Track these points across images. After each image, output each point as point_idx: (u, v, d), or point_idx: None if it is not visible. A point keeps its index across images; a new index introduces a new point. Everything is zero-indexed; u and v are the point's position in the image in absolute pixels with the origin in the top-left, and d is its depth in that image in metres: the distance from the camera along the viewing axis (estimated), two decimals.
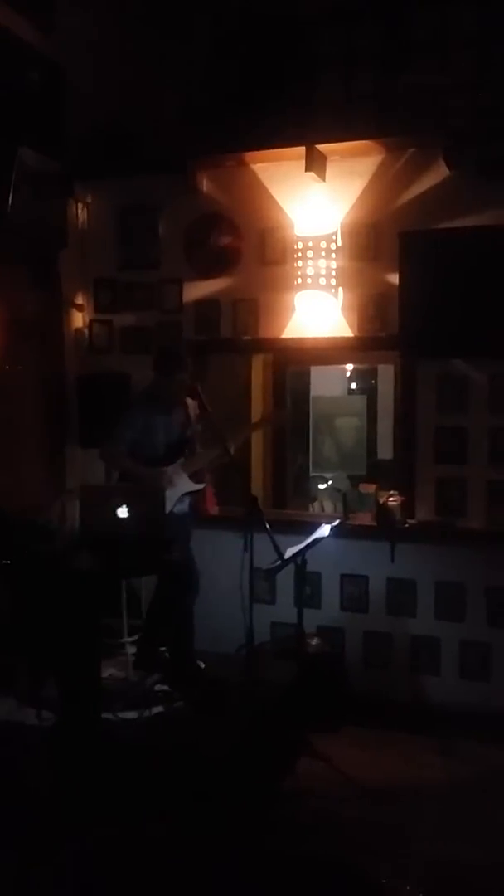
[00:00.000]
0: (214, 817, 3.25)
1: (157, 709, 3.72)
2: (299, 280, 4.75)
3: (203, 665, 4.22)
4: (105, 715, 3.57)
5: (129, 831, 3.17)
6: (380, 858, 3.24)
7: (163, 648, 4.31)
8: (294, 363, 5.75)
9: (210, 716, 3.77)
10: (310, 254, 4.71)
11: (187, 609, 4.31)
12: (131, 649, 4.27)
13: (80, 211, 5.26)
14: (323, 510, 5.80)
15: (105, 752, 3.39)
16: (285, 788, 3.71)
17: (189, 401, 4.29)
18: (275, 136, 4.78)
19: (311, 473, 6.20)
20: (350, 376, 6.63)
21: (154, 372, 4.34)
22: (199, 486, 4.36)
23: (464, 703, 4.50)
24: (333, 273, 4.74)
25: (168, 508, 4.16)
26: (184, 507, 4.31)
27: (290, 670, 4.12)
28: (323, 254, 4.70)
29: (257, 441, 5.68)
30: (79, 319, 5.34)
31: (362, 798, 3.71)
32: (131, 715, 3.63)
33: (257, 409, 5.66)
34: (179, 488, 4.24)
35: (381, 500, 4.70)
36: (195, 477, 4.30)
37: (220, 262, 5.03)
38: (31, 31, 4.65)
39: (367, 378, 6.51)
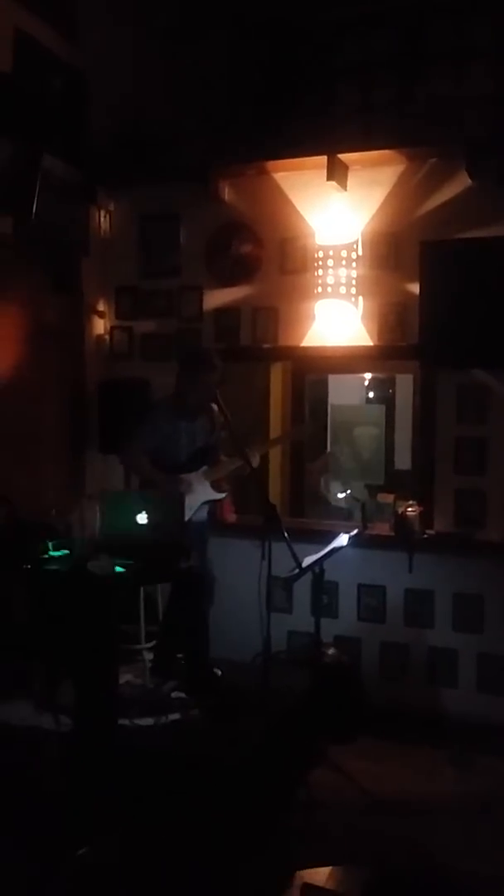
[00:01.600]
0: (228, 825, 3.24)
1: (174, 716, 3.71)
2: (319, 289, 4.76)
3: (220, 672, 4.21)
4: (121, 721, 3.57)
5: (142, 837, 3.17)
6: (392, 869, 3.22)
7: (179, 655, 4.30)
8: (313, 371, 5.75)
9: (225, 723, 3.76)
10: (330, 262, 4.71)
11: (202, 616, 4.30)
12: (148, 656, 4.27)
13: (102, 219, 5.30)
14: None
15: (121, 759, 3.39)
16: (299, 798, 3.69)
17: (214, 407, 4.19)
18: (296, 146, 4.80)
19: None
20: (368, 385, 6.62)
21: (179, 375, 4.24)
22: (220, 496, 4.33)
23: (481, 716, 4.47)
24: (354, 282, 4.74)
25: (187, 516, 4.15)
26: (202, 515, 4.30)
27: (307, 680, 4.11)
28: (343, 263, 4.71)
29: (275, 449, 5.67)
30: (100, 326, 5.37)
31: (376, 810, 3.69)
32: (147, 721, 3.63)
33: (276, 417, 5.66)
34: (200, 496, 4.22)
35: (400, 511, 4.68)
36: (216, 486, 4.27)
37: (241, 271, 5.05)
38: (55, 39, 4.70)
39: (384, 387, 6.49)
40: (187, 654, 4.24)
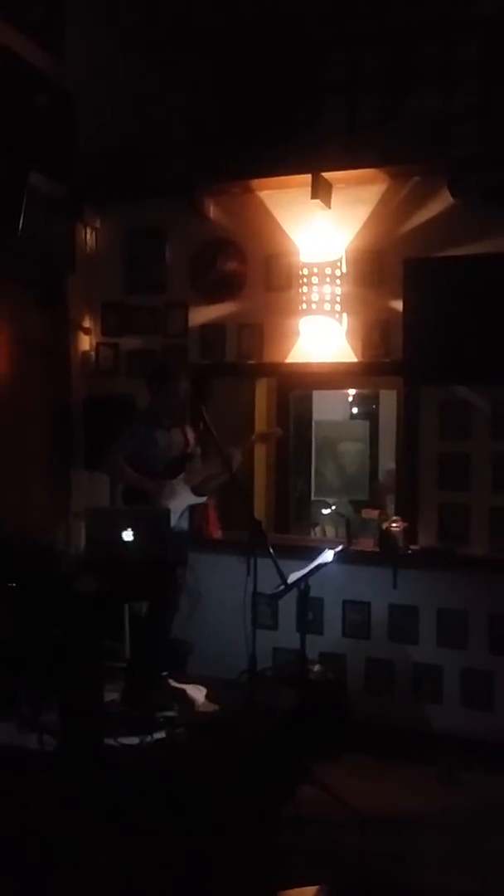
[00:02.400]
0: (213, 844, 3.23)
1: (159, 735, 3.69)
2: (304, 305, 4.79)
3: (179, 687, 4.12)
4: (106, 740, 3.55)
5: (128, 857, 3.15)
6: (380, 887, 3.21)
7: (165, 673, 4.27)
8: (298, 387, 5.78)
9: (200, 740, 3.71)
10: (315, 280, 4.75)
11: (160, 626, 4.22)
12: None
13: (88, 235, 5.31)
14: (325, 535, 5.81)
15: (105, 778, 3.37)
16: (285, 816, 3.68)
17: (188, 428, 4.35)
18: (281, 164, 4.85)
19: (314, 498, 6.20)
20: (352, 401, 6.66)
21: (147, 389, 4.38)
22: (202, 500, 4.36)
23: (466, 732, 4.48)
24: (338, 299, 4.78)
25: (172, 522, 4.16)
26: (182, 524, 4.31)
27: (292, 697, 4.10)
28: (328, 280, 4.75)
29: (260, 465, 5.69)
30: (86, 342, 5.37)
31: (363, 826, 3.68)
32: (133, 741, 3.61)
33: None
34: (182, 501, 4.24)
35: (384, 526, 4.70)
36: (197, 490, 4.30)
37: (226, 287, 5.08)
38: (42, 57, 4.73)
39: (369, 403, 6.54)
40: (135, 664, 4.19)
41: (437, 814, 3.85)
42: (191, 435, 4.37)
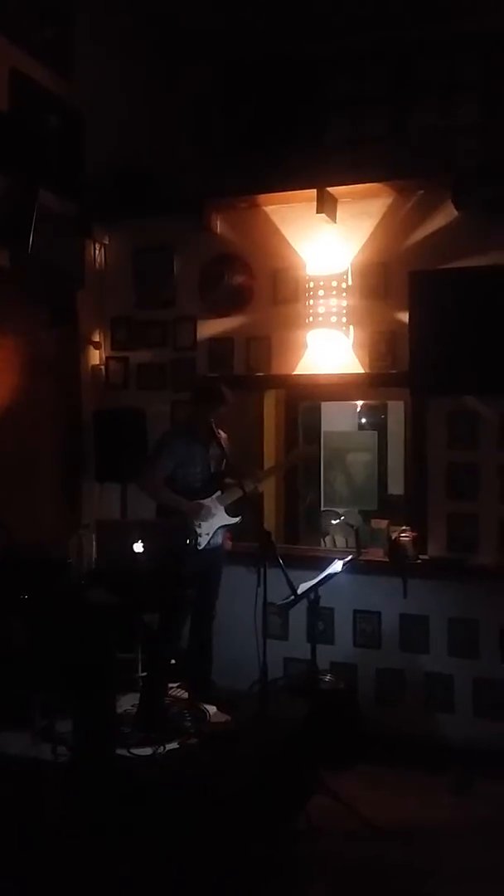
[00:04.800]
0: (226, 854, 3.23)
1: (172, 745, 3.71)
2: (311, 318, 4.84)
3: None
4: (119, 751, 3.57)
5: (141, 868, 3.16)
6: None
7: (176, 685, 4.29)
8: (306, 399, 5.81)
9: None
10: (321, 293, 4.80)
11: (168, 641, 4.19)
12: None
13: (97, 252, 5.38)
14: (335, 545, 5.82)
15: (119, 789, 3.39)
16: (298, 827, 3.68)
17: (222, 434, 4.25)
18: (287, 179, 4.91)
19: (323, 508, 6.22)
20: (360, 412, 6.68)
21: (193, 405, 4.36)
22: (235, 520, 4.33)
23: (478, 741, 4.47)
24: (344, 311, 4.82)
25: (205, 542, 4.19)
26: (218, 540, 4.33)
27: (303, 707, 4.11)
28: (334, 293, 4.79)
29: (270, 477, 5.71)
30: (95, 357, 5.43)
31: (375, 836, 3.68)
32: (146, 751, 3.63)
33: (270, 444, 5.71)
34: (217, 521, 4.25)
35: (393, 536, 4.72)
36: (230, 511, 4.30)
37: (234, 301, 5.13)
38: (50, 76, 4.80)
39: (377, 413, 6.55)
40: (147, 678, 4.15)
41: (450, 824, 3.85)
42: (226, 442, 4.26)
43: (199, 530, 4.17)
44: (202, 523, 4.18)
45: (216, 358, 5.18)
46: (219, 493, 4.27)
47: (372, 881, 3.40)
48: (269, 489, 5.69)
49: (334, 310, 4.79)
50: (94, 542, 4.56)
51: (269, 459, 5.60)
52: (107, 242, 5.42)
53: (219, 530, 4.29)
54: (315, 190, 4.73)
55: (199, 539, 4.17)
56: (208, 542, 4.22)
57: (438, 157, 5.20)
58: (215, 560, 4.32)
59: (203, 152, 5.58)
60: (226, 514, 4.28)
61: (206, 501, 4.22)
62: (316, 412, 6.22)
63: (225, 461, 4.30)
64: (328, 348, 4.89)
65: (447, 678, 4.63)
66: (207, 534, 4.20)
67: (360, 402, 6.47)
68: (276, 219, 5.04)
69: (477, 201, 4.58)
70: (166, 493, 4.18)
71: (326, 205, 4.76)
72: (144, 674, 4.28)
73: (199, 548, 4.18)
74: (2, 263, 4.48)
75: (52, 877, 3.11)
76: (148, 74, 5.50)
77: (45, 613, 3.60)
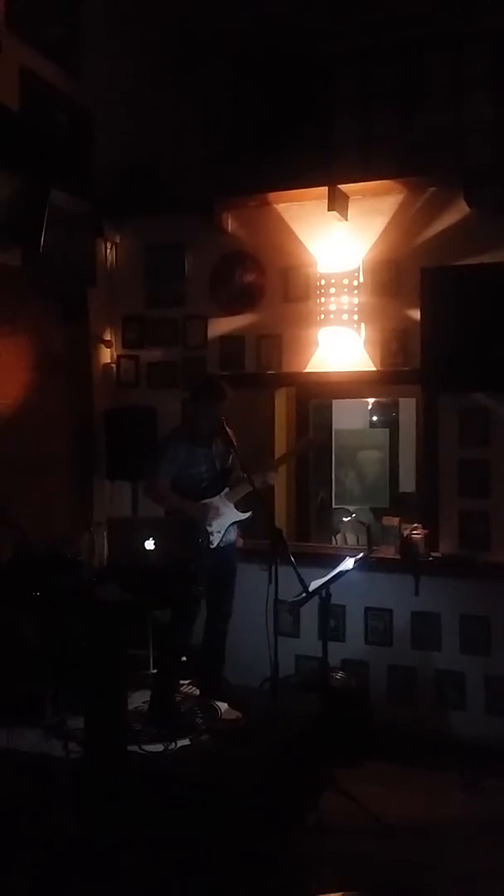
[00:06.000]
0: (237, 851, 3.24)
1: (183, 742, 3.72)
2: (322, 316, 4.83)
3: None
4: (131, 747, 3.58)
5: (152, 864, 3.17)
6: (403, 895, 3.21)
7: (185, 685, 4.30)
8: (317, 397, 5.81)
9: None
10: (332, 290, 4.79)
11: (176, 641, 4.19)
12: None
13: (108, 250, 5.39)
14: (346, 543, 5.82)
15: (130, 785, 3.40)
16: (309, 824, 3.68)
17: (228, 429, 4.19)
18: (298, 177, 4.90)
19: (334, 506, 6.22)
20: (372, 409, 6.68)
21: (192, 403, 4.33)
22: (246, 515, 4.32)
23: (489, 739, 4.46)
24: (356, 309, 4.81)
25: (217, 541, 4.19)
26: (231, 537, 4.32)
27: (315, 704, 4.11)
28: (345, 290, 4.78)
29: (280, 473, 5.71)
30: (107, 355, 5.44)
31: (386, 834, 3.68)
32: (157, 748, 3.64)
33: (281, 442, 5.71)
34: (227, 518, 4.24)
35: (405, 533, 4.71)
36: (240, 507, 4.28)
37: (245, 299, 5.13)
38: (60, 75, 4.81)
39: (388, 411, 6.55)
40: (158, 674, 4.16)
41: (461, 821, 3.84)
42: (233, 436, 4.18)
43: (210, 529, 4.17)
44: (213, 521, 4.18)
45: (227, 356, 5.18)
46: (226, 490, 4.26)
47: (382, 878, 3.39)
48: (280, 487, 5.69)
49: (345, 307, 4.78)
50: (105, 540, 4.58)
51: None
52: (118, 241, 5.44)
53: (231, 527, 4.28)
54: (326, 187, 4.72)
55: (212, 538, 4.18)
56: (221, 539, 4.22)
57: (450, 153, 5.18)
58: (229, 557, 4.32)
59: (213, 150, 5.57)
60: (235, 511, 4.27)
61: (214, 500, 4.21)
62: (327, 410, 6.23)
63: (232, 457, 4.28)
64: (339, 346, 4.88)
65: (459, 675, 4.62)
66: (219, 532, 4.20)
67: (371, 400, 6.47)
68: (286, 216, 5.04)
69: (489, 198, 4.57)
70: (171, 497, 4.18)
71: (337, 202, 4.75)
72: (155, 671, 4.30)
73: (212, 546, 4.19)
74: (14, 262, 4.50)
75: (62, 872, 3.12)
76: (157, 72, 5.49)
77: (57, 611, 3.62)
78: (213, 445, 4.27)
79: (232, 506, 4.26)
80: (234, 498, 4.26)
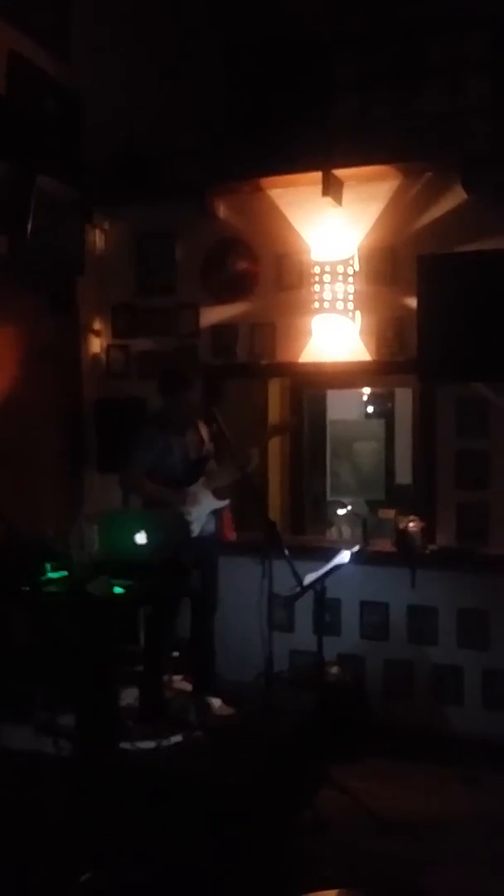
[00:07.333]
0: (232, 849, 3.19)
1: (176, 738, 3.66)
2: (316, 304, 4.75)
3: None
4: (123, 744, 3.52)
5: (145, 861, 3.12)
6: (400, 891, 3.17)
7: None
8: (311, 387, 5.74)
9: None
10: (327, 278, 4.71)
11: (162, 633, 4.18)
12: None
13: (97, 237, 5.30)
14: (342, 536, 5.76)
15: (122, 782, 3.34)
16: (305, 820, 3.64)
17: (201, 424, 4.24)
18: (291, 162, 4.81)
19: (329, 498, 6.15)
20: (367, 400, 6.62)
21: (161, 394, 4.29)
22: (224, 503, 4.29)
23: (487, 734, 4.42)
24: (351, 297, 4.73)
25: (197, 530, 4.13)
26: (211, 527, 4.27)
27: (310, 699, 4.06)
28: (340, 278, 4.70)
29: (274, 466, 5.65)
30: (96, 344, 5.36)
31: (383, 829, 3.64)
32: (149, 745, 3.58)
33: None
34: (205, 506, 4.19)
35: (401, 526, 4.65)
36: (218, 494, 4.24)
37: (237, 287, 5.05)
38: (49, 59, 4.72)
39: (384, 401, 6.49)
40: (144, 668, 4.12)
41: (459, 817, 3.81)
42: (205, 432, 4.27)
43: (189, 518, 4.10)
44: (191, 510, 4.11)
45: (219, 345, 5.10)
46: (202, 479, 4.20)
47: (379, 874, 3.35)
48: (274, 479, 5.63)
49: (340, 295, 4.70)
50: (95, 533, 4.50)
51: (273, 449, 5.53)
52: (107, 228, 5.35)
53: (209, 516, 4.23)
54: (320, 173, 4.64)
55: (192, 526, 4.11)
56: (200, 528, 4.15)
57: (447, 138, 5.10)
58: (209, 547, 4.26)
59: (206, 135, 5.48)
60: (213, 499, 4.22)
61: (192, 488, 4.16)
62: (322, 400, 6.15)
63: (206, 445, 4.25)
64: (334, 335, 4.80)
65: (456, 670, 4.57)
66: (198, 520, 4.13)
67: (366, 390, 6.41)
68: (280, 203, 4.95)
69: (487, 183, 4.50)
70: (148, 486, 4.13)
71: (332, 188, 4.67)
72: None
73: (192, 535, 4.12)
74: (0, 250, 4.41)
75: (54, 871, 3.06)
76: (149, 57, 5.40)
77: (47, 605, 3.55)
78: (187, 434, 4.23)
79: (209, 493, 4.19)
80: (211, 485, 4.20)
